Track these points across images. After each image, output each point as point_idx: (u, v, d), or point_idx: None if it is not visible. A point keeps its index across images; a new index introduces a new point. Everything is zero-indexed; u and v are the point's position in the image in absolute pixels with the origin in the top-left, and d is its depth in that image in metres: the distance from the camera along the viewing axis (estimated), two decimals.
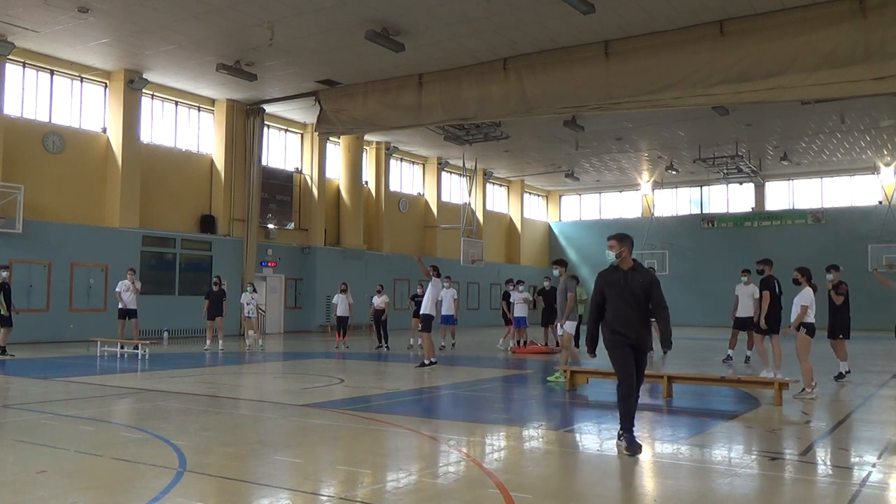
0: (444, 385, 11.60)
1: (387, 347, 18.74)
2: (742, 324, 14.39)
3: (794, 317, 10.22)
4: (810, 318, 10.25)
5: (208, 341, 18.19)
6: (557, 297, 12.38)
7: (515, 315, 18.50)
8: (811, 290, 10.33)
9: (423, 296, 19.16)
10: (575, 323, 12.51)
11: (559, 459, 6.54)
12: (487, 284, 36.15)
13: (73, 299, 20.31)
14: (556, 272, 12.40)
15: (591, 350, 6.86)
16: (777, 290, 12.32)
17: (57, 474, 5.53)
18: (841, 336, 12.19)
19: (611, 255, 6.68)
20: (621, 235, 6.78)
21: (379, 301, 19.02)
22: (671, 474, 5.91)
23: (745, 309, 14.19)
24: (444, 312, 17.91)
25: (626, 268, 6.65)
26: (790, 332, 10.39)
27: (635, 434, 6.51)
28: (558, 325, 12.33)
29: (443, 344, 18.55)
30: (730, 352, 15.40)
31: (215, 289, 18.35)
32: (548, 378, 11.98)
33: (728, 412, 9.21)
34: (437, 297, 14.74)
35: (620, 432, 6.46)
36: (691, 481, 5.66)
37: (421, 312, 14.62)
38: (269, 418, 8.36)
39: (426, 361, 14.04)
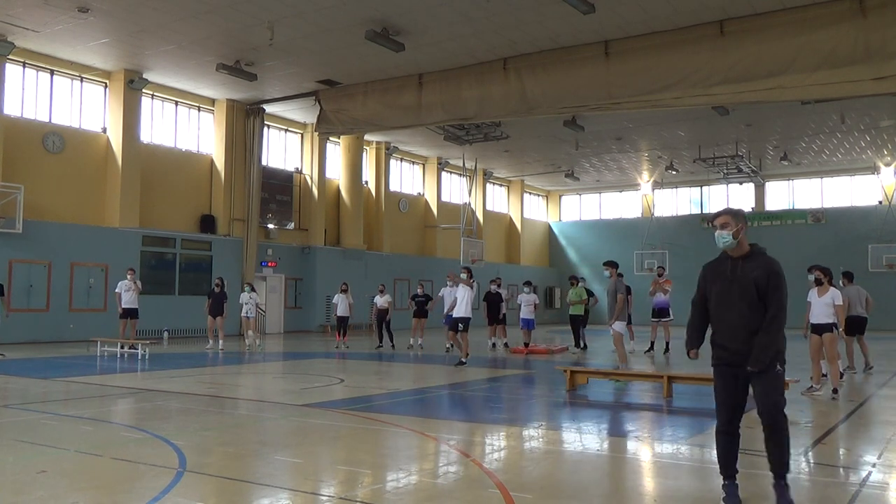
0: (444, 385, 11.60)
1: (392, 346, 18.85)
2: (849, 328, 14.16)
3: (818, 317, 10.26)
4: (828, 319, 10.21)
5: (210, 341, 18.26)
6: (607, 297, 12.43)
7: (522, 317, 18.31)
8: (837, 289, 10.41)
9: (423, 296, 19.41)
10: (624, 322, 12.53)
11: (559, 459, 6.53)
12: (487, 284, 36.09)
13: (73, 299, 20.30)
14: (606, 273, 12.53)
15: (694, 349, 5.18)
16: None
17: (57, 474, 5.53)
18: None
19: (726, 238, 4.91)
20: (734, 210, 5.07)
21: (382, 301, 19.07)
22: (671, 474, 5.91)
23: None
24: (448, 313, 17.86)
25: (737, 255, 4.95)
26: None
27: (638, 435, 6.43)
28: (609, 325, 12.39)
29: (448, 345, 18.49)
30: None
31: (217, 290, 18.43)
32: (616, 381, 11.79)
33: None
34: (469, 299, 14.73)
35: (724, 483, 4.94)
36: (691, 481, 5.66)
37: (460, 315, 14.58)
38: (269, 418, 8.36)
39: (463, 360, 14.51)
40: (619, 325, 12.31)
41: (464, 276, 14.90)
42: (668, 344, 17.54)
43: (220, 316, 18.19)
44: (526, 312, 18.36)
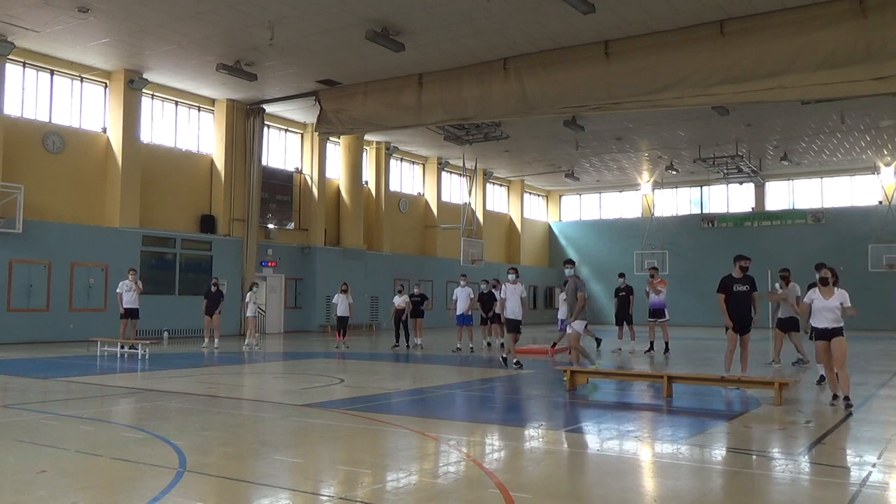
0: (444, 385, 11.60)
1: (408, 346, 19.02)
2: (784, 325, 14.06)
3: (826, 321, 9.41)
4: (838, 323, 9.48)
5: (206, 340, 18.43)
6: (567, 295, 12.32)
7: (560, 317, 17.28)
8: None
9: (419, 296, 19.48)
10: (584, 322, 12.41)
11: (559, 459, 6.53)
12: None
13: (73, 299, 20.30)
14: (569, 271, 12.44)
15: None
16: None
17: (57, 474, 5.53)
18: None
19: None
20: None
21: (399, 301, 19.18)
22: (671, 474, 5.91)
23: (786, 310, 13.87)
24: (458, 312, 17.72)
25: None
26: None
27: (638, 435, 6.43)
28: (567, 324, 12.29)
29: (458, 346, 18.41)
30: (799, 356, 14.57)
31: (214, 290, 18.68)
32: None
33: (728, 412, 9.21)
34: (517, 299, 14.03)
35: None
36: (691, 481, 5.66)
37: (510, 317, 14.03)
38: (269, 418, 8.36)
39: (515, 362, 13.91)
40: (578, 325, 12.15)
41: (512, 276, 14.23)
42: (667, 344, 17.51)
43: (216, 314, 18.47)
44: (564, 312, 16.74)
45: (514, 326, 13.99)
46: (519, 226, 40.28)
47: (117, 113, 21.55)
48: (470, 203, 32.06)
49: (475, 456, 6.47)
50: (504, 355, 14.42)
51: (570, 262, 12.80)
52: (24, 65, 20.06)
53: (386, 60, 19.43)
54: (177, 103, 23.88)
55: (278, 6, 16.30)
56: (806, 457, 6.48)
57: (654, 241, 37.39)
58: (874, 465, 6.13)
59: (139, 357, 15.27)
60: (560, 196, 43.29)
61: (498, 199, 39.46)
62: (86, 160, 21.27)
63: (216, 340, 18.43)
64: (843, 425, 8.18)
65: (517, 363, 13.91)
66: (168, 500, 4.84)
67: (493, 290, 19.25)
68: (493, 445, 7.16)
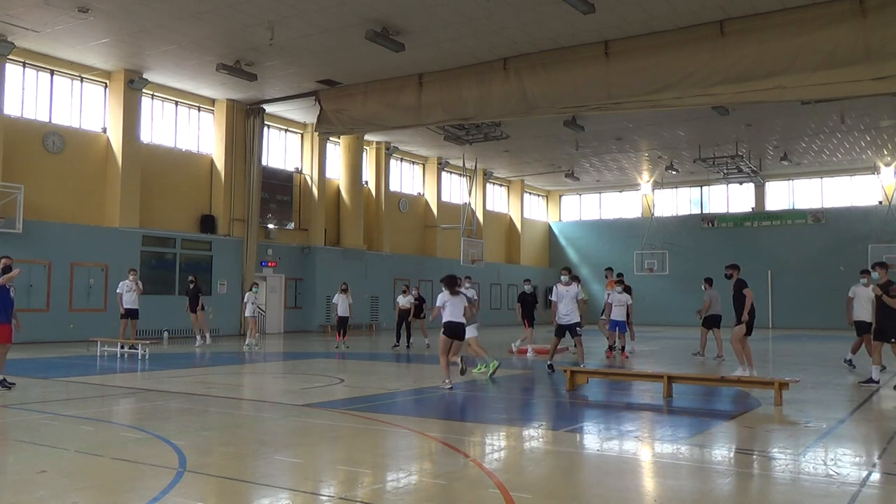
0: (444, 385, 11.58)
1: (408, 346, 19.04)
2: (863, 328, 13.58)
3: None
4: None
5: (198, 338, 18.87)
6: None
7: (614, 318, 16.80)
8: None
9: (418, 298, 19.51)
10: (476, 325, 12.58)
11: (559, 459, 6.53)
12: (487, 285, 36.12)
13: (73, 299, 20.30)
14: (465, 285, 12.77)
15: None
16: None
17: (57, 474, 5.53)
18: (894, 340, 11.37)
19: None
20: None
21: (404, 301, 19.23)
22: (671, 474, 5.91)
23: (866, 312, 13.37)
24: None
25: None
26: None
27: (638, 435, 6.43)
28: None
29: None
30: (850, 356, 14.40)
31: (192, 286, 19.38)
32: (473, 371, 12.11)
33: (728, 412, 9.21)
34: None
35: None
36: (691, 481, 5.66)
37: (563, 322, 13.29)
38: (269, 418, 8.36)
39: (554, 364, 13.48)
40: (472, 329, 12.39)
41: (565, 277, 13.42)
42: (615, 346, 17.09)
43: (196, 312, 19.05)
44: (618, 314, 16.72)
45: (574, 330, 13.21)
46: (519, 226, 40.27)
47: (117, 113, 21.54)
48: (470, 203, 32.06)
49: (475, 456, 6.47)
50: (581, 362, 13.33)
51: (468, 278, 13.43)
52: (24, 65, 20.06)
53: (386, 60, 19.43)
54: (177, 103, 23.87)
55: (278, 6, 16.30)
56: (806, 457, 6.48)
57: (654, 241, 37.38)
58: (874, 465, 6.13)
59: (139, 357, 15.27)
60: (560, 196, 43.28)
61: (498, 199, 39.46)
62: (86, 160, 21.26)
63: (207, 337, 18.96)
64: (843, 425, 8.19)
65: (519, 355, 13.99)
66: (168, 500, 4.84)
67: (533, 292, 18.72)
68: (493, 445, 7.16)
